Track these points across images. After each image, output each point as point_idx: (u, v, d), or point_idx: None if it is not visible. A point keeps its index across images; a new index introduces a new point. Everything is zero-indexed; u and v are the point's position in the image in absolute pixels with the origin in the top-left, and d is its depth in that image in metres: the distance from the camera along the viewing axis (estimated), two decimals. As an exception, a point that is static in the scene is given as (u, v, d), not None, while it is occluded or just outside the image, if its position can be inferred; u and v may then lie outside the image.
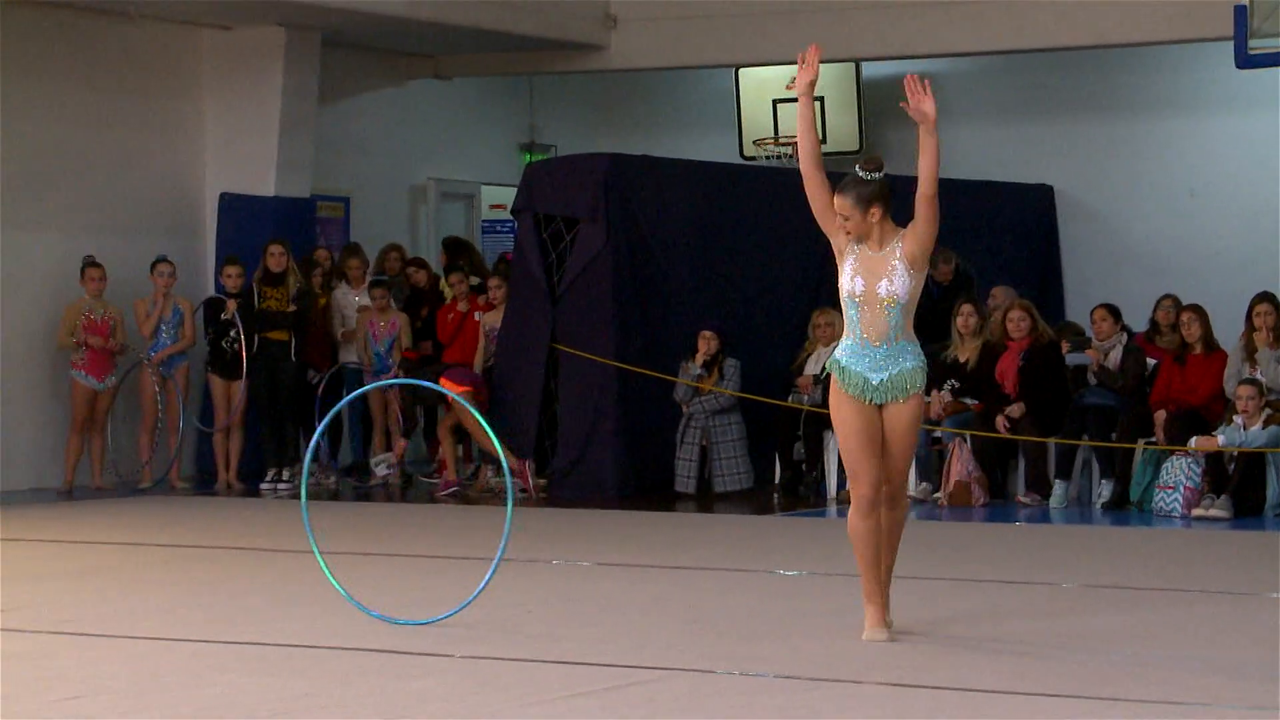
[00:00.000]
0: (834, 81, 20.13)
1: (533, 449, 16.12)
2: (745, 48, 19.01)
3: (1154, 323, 16.09)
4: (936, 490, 15.18)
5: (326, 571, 9.18)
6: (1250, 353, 14.59)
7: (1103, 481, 14.97)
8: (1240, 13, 15.06)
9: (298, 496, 15.92)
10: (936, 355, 15.61)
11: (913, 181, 8.30)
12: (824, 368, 11.49)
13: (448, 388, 15.68)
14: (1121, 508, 14.66)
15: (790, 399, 15.79)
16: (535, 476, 15.82)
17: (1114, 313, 15.42)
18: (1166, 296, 16.15)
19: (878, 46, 18.61)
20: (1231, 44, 15.31)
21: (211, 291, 17.24)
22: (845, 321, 8.50)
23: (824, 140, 20.07)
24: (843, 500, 13.96)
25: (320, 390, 16.95)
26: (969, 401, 15.34)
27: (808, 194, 8.45)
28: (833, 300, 12.84)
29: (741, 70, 20.62)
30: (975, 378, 15.37)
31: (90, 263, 16.24)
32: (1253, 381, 14.27)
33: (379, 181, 19.96)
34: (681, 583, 10.60)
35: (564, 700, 7.22)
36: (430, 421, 17.21)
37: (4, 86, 16.38)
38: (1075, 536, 13.43)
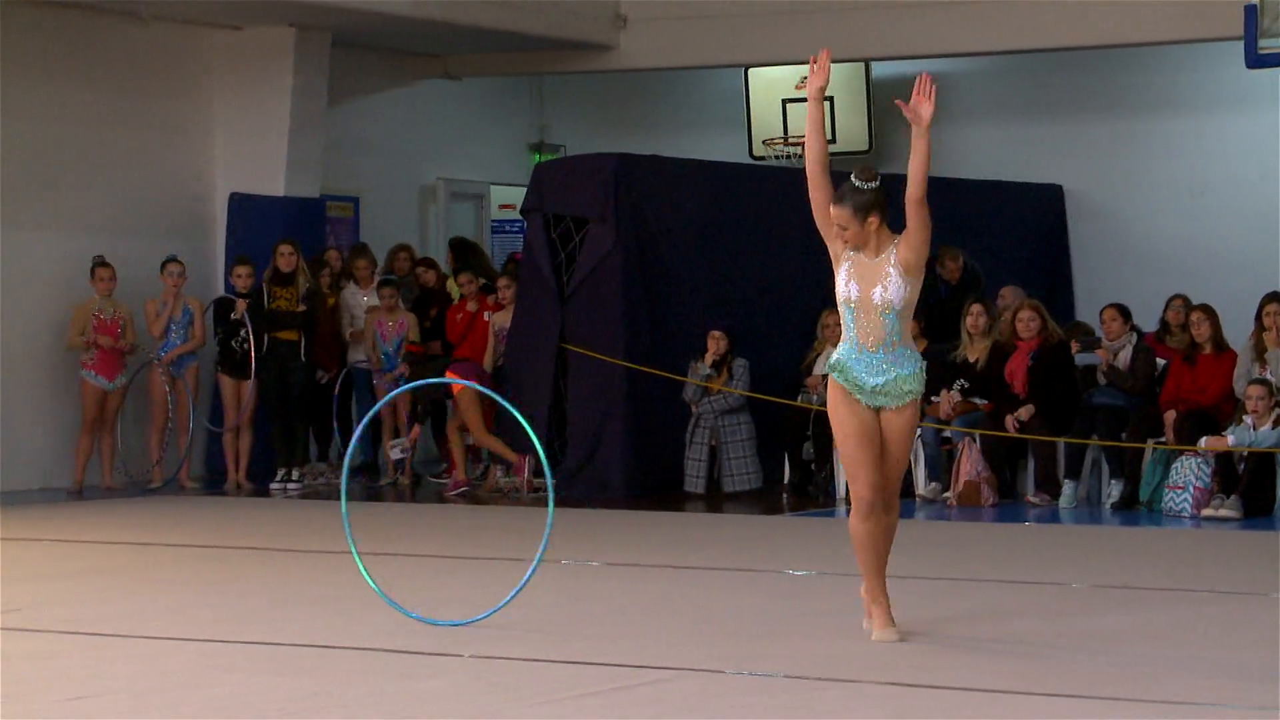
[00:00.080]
0: (844, 82, 20.12)
1: (543, 449, 16.11)
2: (754, 47, 19.00)
3: (1164, 322, 16.08)
4: (946, 490, 15.17)
5: (365, 573, 9.16)
6: (1260, 353, 14.57)
7: (1112, 481, 14.96)
8: (1250, 12, 15.06)
9: (307, 497, 16.05)
10: (946, 355, 15.63)
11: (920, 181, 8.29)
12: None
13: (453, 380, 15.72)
14: (1131, 508, 14.64)
15: (799, 399, 15.80)
16: (532, 473, 15.82)
17: (1124, 313, 15.41)
18: (1177, 296, 16.14)
19: (886, 46, 18.61)
20: (1239, 43, 15.30)
21: (221, 291, 17.25)
22: (842, 326, 8.53)
23: (833, 140, 20.10)
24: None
25: (336, 390, 17.00)
26: (978, 401, 15.32)
27: (811, 197, 8.47)
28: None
29: (751, 70, 20.60)
30: (985, 378, 15.36)
31: (100, 263, 16.26)
32: (1263, 381, 14.25)
33: (388, 181, 19.97)
34: (690, 583, 10.60)
35: (572, 700, 7.22)
36: (439, 421, 17.21)
37: (13, 87, 16.40)
38: (1085, 537, 13.42)
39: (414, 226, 20.23)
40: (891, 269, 8.33)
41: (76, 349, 16.19)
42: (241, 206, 17.81)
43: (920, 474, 15.32)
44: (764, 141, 20.71)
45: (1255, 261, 18.49)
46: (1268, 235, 18.80)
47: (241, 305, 16.49)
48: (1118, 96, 20.03)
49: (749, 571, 11.02)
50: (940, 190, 18.52)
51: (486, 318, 16.91)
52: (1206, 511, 14.00)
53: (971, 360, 15.48)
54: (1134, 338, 15.42)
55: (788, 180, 16.89)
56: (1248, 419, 14.13)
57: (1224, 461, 14.14)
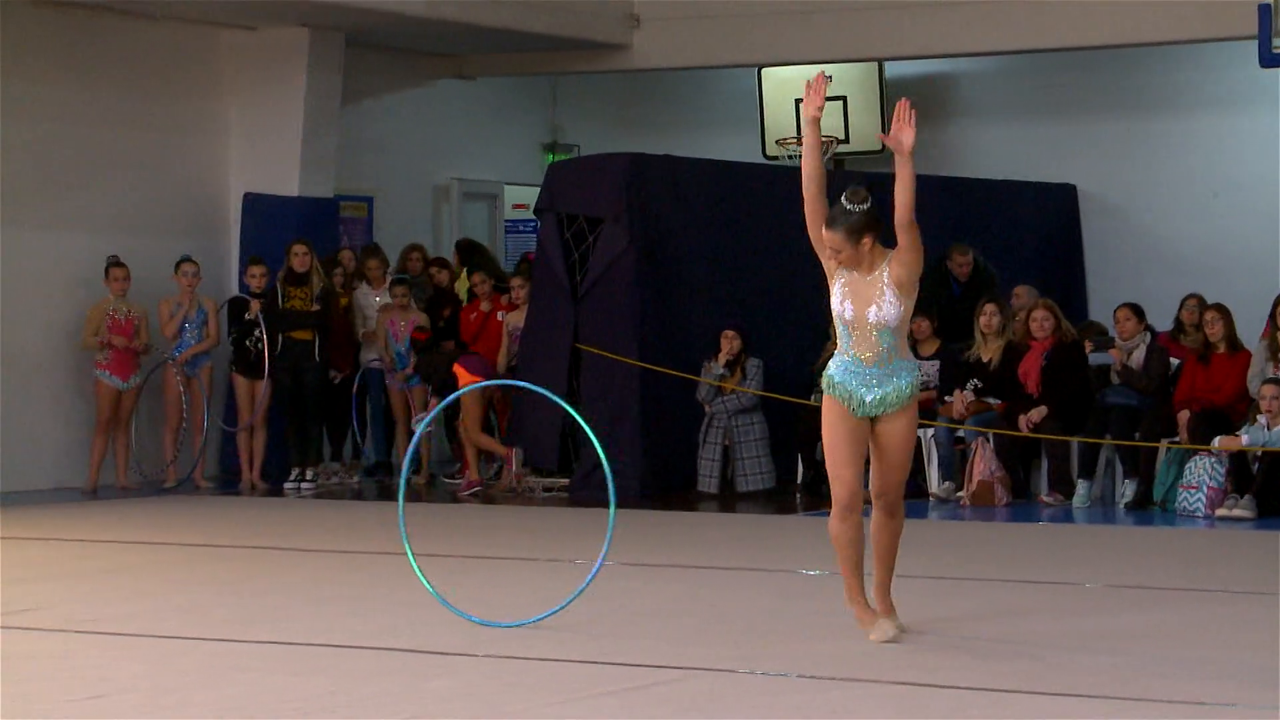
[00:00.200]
0: (857, 81, 20.12)
1: (556, 449, 16.14)
2: (767, 47, 19.00)
3: (1178, 322, 16.06)
4: (959, 490, 15.17)
5: (420, 574, 9.15)
6: (1274, 352, 14.55)
7: (1126, 481, 14.95)
8: (1265, 12, 15.05)
9: (321, 496, 16.07)
10: (959, 354, 15.62)
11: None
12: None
13: (458, 373, 15.75)
14: (1145, 508, 14.63)
15: (813, 398, 15.77)
16: (521, 465, 15.84)
17: (1137, 312, 15.40)
18: (1191, 296, 16.13)
19: (899, 46, 18.61)
20: (1253, 43, 15.28)
21: (235, 291, 17.27)
22: (837, 341, 8.57)
23: (846, 140, 20.13)
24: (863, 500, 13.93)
25: (355, 389, 17.03)
26: (992, 401, 15.32)
27: (807, 216, 8.60)
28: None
29: (764, 70, 20.59)
30: (998, 377, 15.35)
31: (114, 263, 16.28)
32: (1277, 381, 14.23)
33: (402, 181, 19.99)
34: (703, 582, 10.61)
35: (586, 700, 7.23)
36: (451, 420, 17.21)
37: (27, 88, 16.42)
38: (1098, 536, 13.42)
39: (427, 226, 20.25)
40: (886, 288, 8.41)
41: (91, 349, 16.22)
42: (255, 206, 17.83)
43: (934, 474, 15.32)
44: (777, 141, 20.68)
45: (1269, 261, 18.47)
46: (1283, 235, 18.79)
47: (256, 305, 16.51)
48: (1131, 96, 20.01)
49: (762, 571, 11.03)
50: (954, 190, 18.73)
51: (500, 317, 16.93)
52: (1220, 511, 13.99)
53: (985, 360, 15.47)
54: (1148, 337, 15.41)
55: (801, 181, 16.88)
56: (1262, 419, 14.11)
57: (1238, 461, 14.12)
